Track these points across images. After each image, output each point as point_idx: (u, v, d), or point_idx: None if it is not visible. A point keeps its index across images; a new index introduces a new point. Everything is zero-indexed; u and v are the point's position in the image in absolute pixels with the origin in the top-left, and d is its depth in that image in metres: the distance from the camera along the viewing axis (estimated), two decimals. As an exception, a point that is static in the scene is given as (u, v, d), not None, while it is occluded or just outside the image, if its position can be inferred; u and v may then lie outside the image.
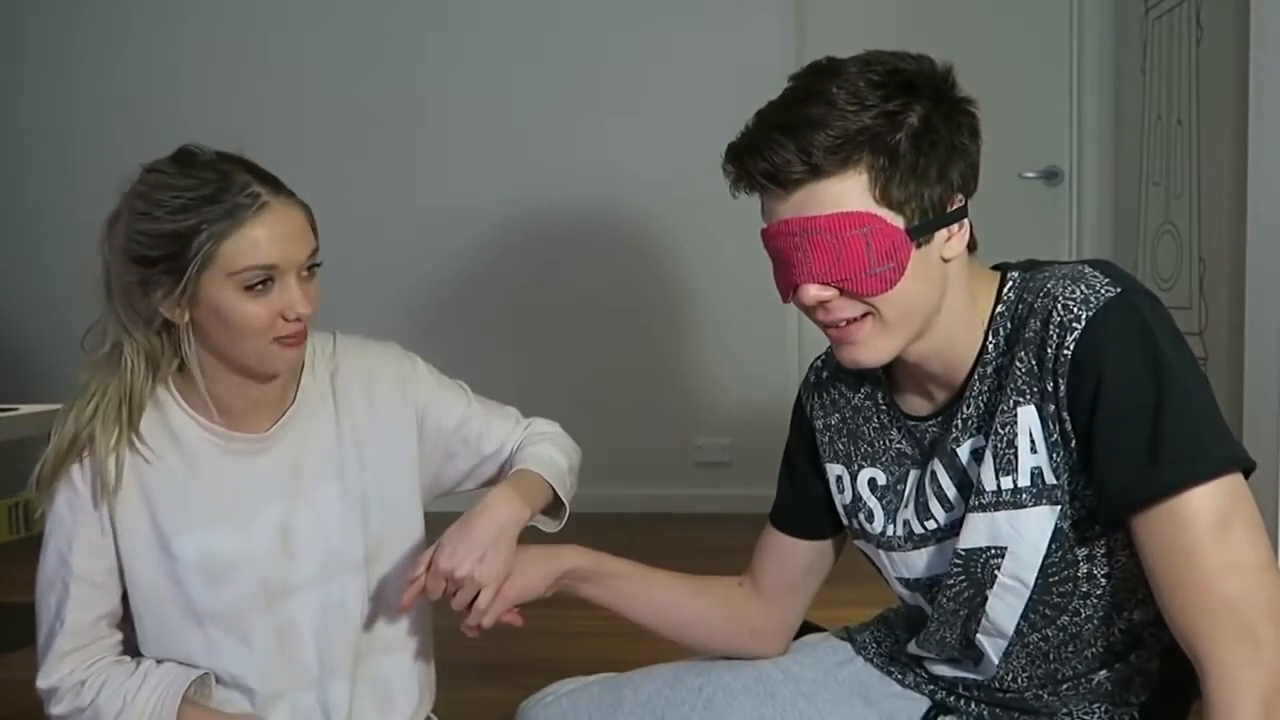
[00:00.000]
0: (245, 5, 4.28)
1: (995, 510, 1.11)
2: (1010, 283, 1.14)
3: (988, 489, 1.11)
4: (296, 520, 1.37)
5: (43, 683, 1.33)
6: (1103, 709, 1.18)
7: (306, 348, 1.38)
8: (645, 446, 4.21)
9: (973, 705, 1.25)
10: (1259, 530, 1.02)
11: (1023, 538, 1.10)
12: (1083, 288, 1.05)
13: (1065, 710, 1.19)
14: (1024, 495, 1.09)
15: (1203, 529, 1.00)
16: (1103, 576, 1.10)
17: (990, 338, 1.12)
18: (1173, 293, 3.48)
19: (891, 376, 1.24)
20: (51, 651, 1.33)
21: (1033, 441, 1.08)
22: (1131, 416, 1.01)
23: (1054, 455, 1.08)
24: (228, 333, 1.27)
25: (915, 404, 1.22)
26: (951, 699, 1.28)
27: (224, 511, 1.35)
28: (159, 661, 1.35)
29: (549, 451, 1.48)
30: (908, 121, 1.05)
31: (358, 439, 1.42)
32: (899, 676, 1.35)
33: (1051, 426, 1.07)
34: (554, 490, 1.44)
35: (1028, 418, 1.08)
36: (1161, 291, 3.54)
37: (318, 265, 1.32)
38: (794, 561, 1.37)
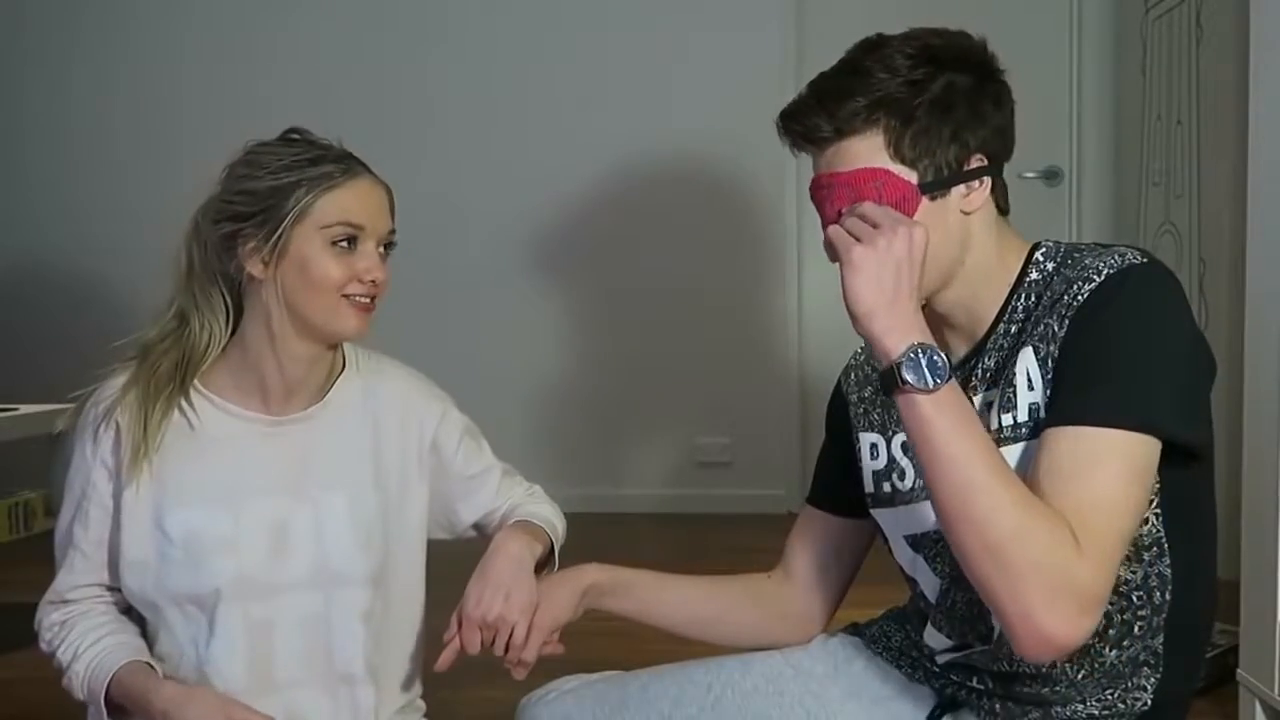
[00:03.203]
0: (249, 8, 4.28)
1: (999, 447, 1.14)
2: (1045, 249, 1.21)
3: (991, 428, 1.16)
4: (294, 520, 1.38)
5: (36, 623, 1.41)
6: (1116, 694, 1.18)
7: (350, 356, 1.46)
8: (645, 446, 4.21)
9: (985, 700, 1.25)
10: (1131, 508, 1.06)
11: (1024, 471, 1.13)
12: (1115, 257, 1.13)
13: (1079, 699, 1.19)
14: (1022, 430, 1.15)
15: (1095, 463, 1.05)
16: None
17: (1020, 299, 1.19)
18: (1173, 293, 3.48)
19: None
20: (45, 598, 1.41)
21: (1030, 379, 1.14)
22: (1102, 355, 1.08)
23: (1049, 392, 1.13)
24: (305, 286, 1.34)
25: None
26: (963, 693, 1.28)
27: (219, 493, 1.36)
28: (120, 630, 1.39)
29: (546, 513, 1.54)
30: (929, 89, 1.16)
31: (378, 457, 1.44)
32: (908, 671, 1.36)
33: (1049, 365, 1.13)
34: (549, 545, 1.48)
35: (1026, 357, 1.15)
36: (1161, 291, 3.54)
37: (393, 245, 1.42)
38: (825, 539, 1.42)
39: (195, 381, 1.39)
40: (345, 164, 1.37)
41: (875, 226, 1.10)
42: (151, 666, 1.35)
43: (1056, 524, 1.02)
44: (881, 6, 4.05)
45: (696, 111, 4.03)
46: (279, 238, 1.33)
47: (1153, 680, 1.17)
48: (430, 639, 1.49)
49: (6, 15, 4.38)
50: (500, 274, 4.22)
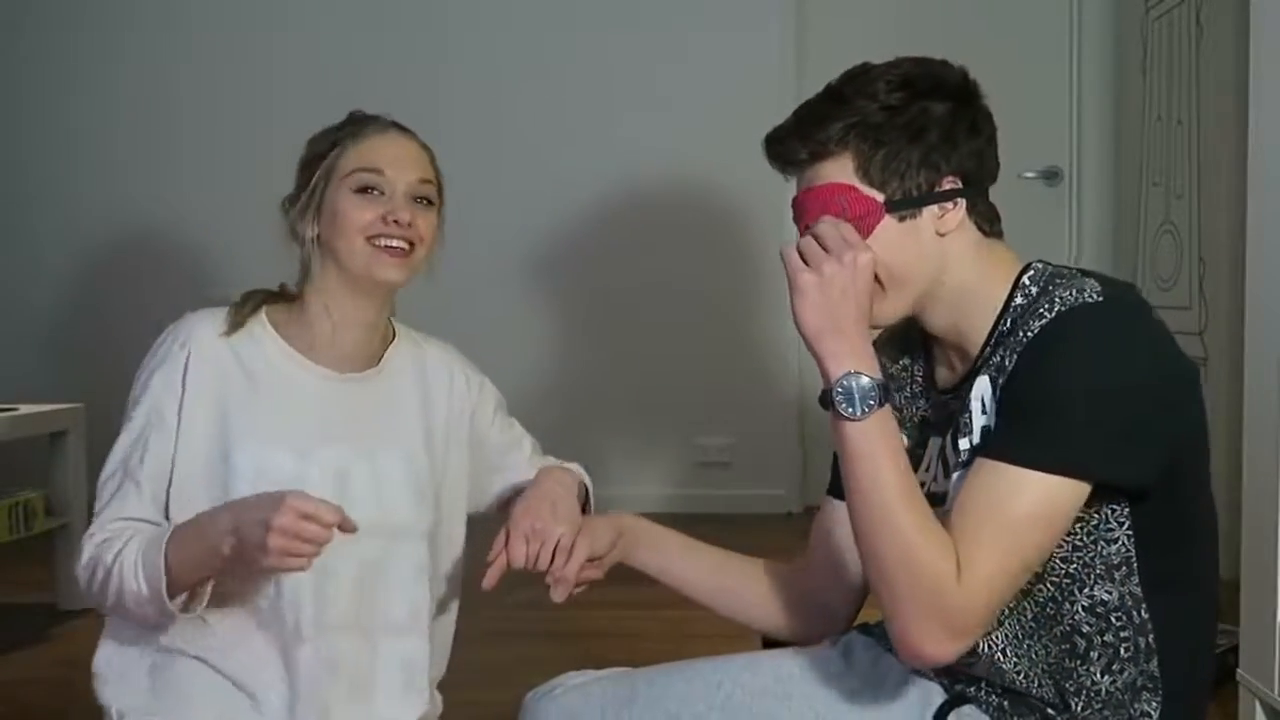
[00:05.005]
0: (249, 8, 4.28)
1: (956, 472, 1.19)
2: (1032, 272, 1.22)
3: (953, 453, 1.21)
4: (354, 471, 1.42)
5: (80, 558, 1.35)
6: None
7: (399, 329, 1.53)
8: (645, 446, 4.21)
9: (993, 696, 1.25)
10: (1029, 545, 1.10)
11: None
12: (1074, 291, 1.14)
13: None
14: (976, 453, 1.16)
15: (1004, 499, 1.09)
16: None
17: (1005, 324, 1.20)
18: (1173, 293, 3.49)
19: (929, 351, 1.33)
20: (88, 533, 1.36)
21: (983, 404, 1.18)
22: (1035, 394, 1.11)
23: (994, 421, 1.16)
24: (339, 235, 1.41)
25: (944, 376, 1.30)
26: (971, 689, 1.28)
27: (288, 434, 1.40)
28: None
29: (578, 471, 1.60)
30: (903, 114, 1.20)
31: (428, 421, 1.50)
32: (915, 669, 1.35)
33: (998, 396, 1.16)
34: (585, 498, 1.53)
35: (982, 384, 1.18)
36: (1161, 291, 3.55)
37: (433, 203, 1.45)
38: (841, 529, 1.41)
39: (274, 329, 1.44)
40: (377, 121, 1.45)
41: (826, 251, 1.14)
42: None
43: (944, 554, 1.08)
44: (881, 8, 4.08)
45: (696, 112, 4.02)
46: (315, 194, 1.41)
47: (1154, 704, 1.17)
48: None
49: (6, 15, 4.38)
50: (499, 274, 4.21)
